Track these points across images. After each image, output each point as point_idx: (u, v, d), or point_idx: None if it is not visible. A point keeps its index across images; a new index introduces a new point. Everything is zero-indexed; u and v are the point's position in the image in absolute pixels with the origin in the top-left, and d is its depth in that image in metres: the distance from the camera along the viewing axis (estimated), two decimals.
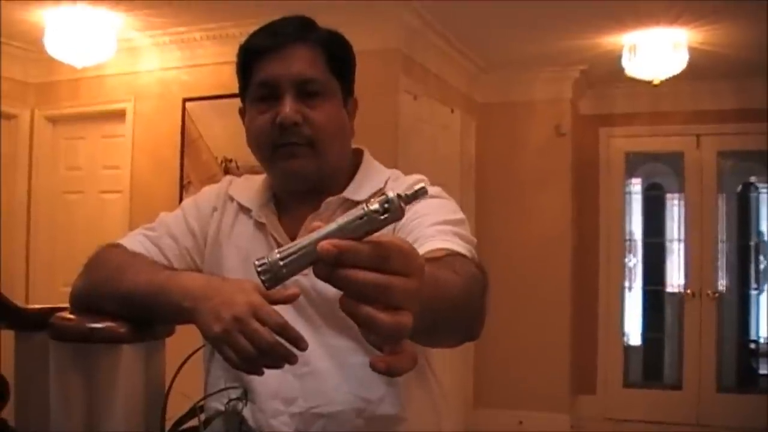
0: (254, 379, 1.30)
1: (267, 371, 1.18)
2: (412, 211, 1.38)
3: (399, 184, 1.51)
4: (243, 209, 1.56)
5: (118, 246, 1.49)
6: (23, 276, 5.95)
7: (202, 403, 1.37)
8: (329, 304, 1.42)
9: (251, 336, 1.12)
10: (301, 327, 1.40)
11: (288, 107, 1.41)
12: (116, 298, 1.31)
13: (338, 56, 1.49)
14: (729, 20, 4.87)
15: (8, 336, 1.58)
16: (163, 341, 1.32)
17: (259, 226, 1.52)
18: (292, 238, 1.47)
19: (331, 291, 1.39)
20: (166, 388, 1.28)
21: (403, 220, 1.20)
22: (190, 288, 1.24)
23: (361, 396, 1.42)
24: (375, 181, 1.50)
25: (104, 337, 1.22)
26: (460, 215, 1.43)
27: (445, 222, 1.35)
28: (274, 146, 1.43)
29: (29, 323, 1.51)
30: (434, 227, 1.32)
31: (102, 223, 5.76)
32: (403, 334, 0.79)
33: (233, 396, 1.36)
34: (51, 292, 5.59)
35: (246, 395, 1.36)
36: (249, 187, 1.59)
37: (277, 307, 1.20)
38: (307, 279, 1.43)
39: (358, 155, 1.58)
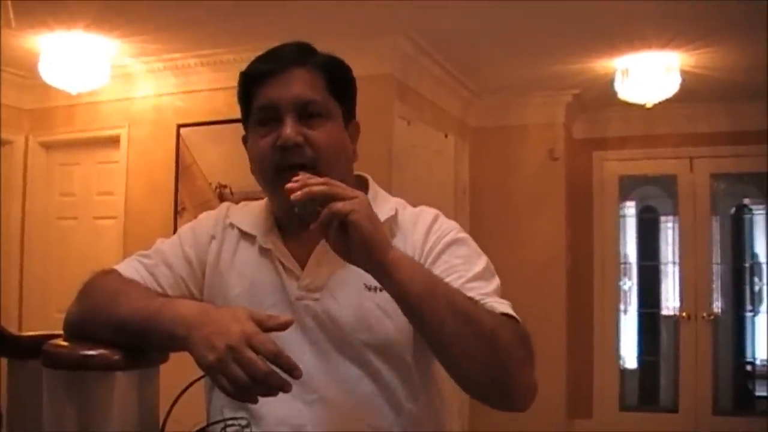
0: (262, 406, 1.29)
1: (275, 399, 1.17)
2: (442, 261, 1.42)
3: (407, 214, 1.52)
4: (245, 236, 1.55)
5: (112, 272, 1.48)
6: (17, 302, 5.93)
7: (199, 429, 1.36)
8: (340, 330, 1.43)
9: (245, 365, 1.12)
10: (309, 353, 1.41)
11: (289, 128, 1.41)
12: (110, 325, 1.30)
13: (338, 79, 1.50)
14: (720, 44, 4.91)
15: (0, 364, 1.57)
16: (157, 368, 1.31)
17: (264, 252, 1.51)
18: (301, 263, 1.47)
19: (343, 317, 1.41)
20: (163, 417, 1.27)
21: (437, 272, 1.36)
22: (184, 316, 1.23)
23: (370, 424, 1.41)
24: (385, 208, 1.49)
25: (98, 365, 1.21)
26: (484, 258, 1.46)
27: (478, 277, 1.40)
28: (277, 170, 1.42)
29: (22, 351, 1.50)
30: (474, 285, 1.37)
31: (96, 250, 5.74)
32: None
33: (231, 423, 1.35)
34: (45, 318, 5.57)
35: (249, 425, 1.35)
36: (249, 214, 1.58)
37: (286, 333, 1.21)
38: (318, 304, 1.43)
39: (362, 182, 1.58)
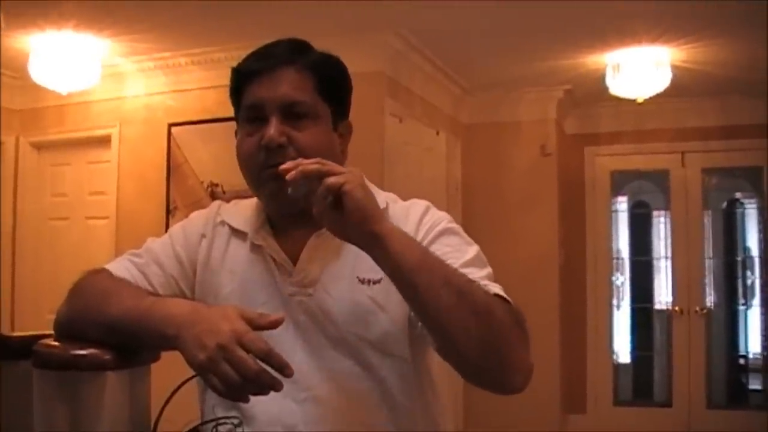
0: (254, 406, 1.28)
1: (266, 398, 1.16)
2: (434, 249, 1.39)
3: (398, 207, 1.51)
4: (236, 233, 1.54)
5: (102, 271, 1.48)
6: (9, 303, 5.91)
7: (191, 428, 1.36)
8: (335, 325, 1.42)
9: (236, 364, 1.11)
10: (301, 350, 1.40)
11: (273, 129, 1.40)
12: (100, 325, 1.30)
13: (328, 80, 1.48)
14: (710, 39, 4.92)
15: None
16: (148, 368, 1.31)
17: (256, 248, 1.50)
18: (293, 259, 1.47)
19: (337, 311, 1.40)
20: (155, 417, 1.27)
21: None
22: (174, 315, 1.23)
23: (363, 422, 1.41)
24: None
25: (88, 365, 1.21)
26: (475, 247, 1.45)
27: (470, 263, 1.38)
28: (261, 169, 1.42)
29: (13, 351, 1.49)
30: (466, 271, 1.34)
31: (88, 249, 5.74)
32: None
33: (223, 422, 1.35)
34: (37, 319, 5.56)
35: (241, 425, 1.35)
36: (240, 212, 1.57)
37: (278, 329, 1.20)
38: (311, 299, 1.43)
39: None
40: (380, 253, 1.23)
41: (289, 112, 1.43)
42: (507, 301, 1.29)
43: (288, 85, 1.44)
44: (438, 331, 1.26)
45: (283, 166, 1.25)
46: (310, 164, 1.23)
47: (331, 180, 1.21)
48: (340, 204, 1.21)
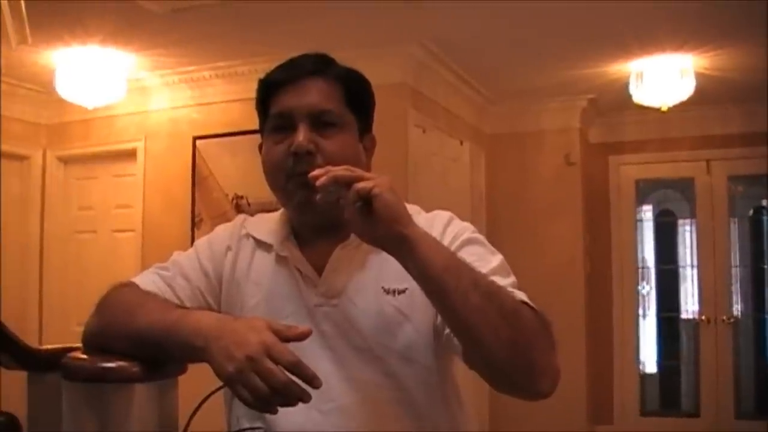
0: (279, 417, 1.28)
1: (292, 408, 1.16)
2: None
3: (421, 219, 1.50)
4: (261, 245, 1.55)
5: (130, 285, 1.49)
6: (36, 316, 5.96)
7: None
8: (361, 335, 1.42)
9: (265, 375, 1.11)
10: (327, 360, 1.40)
11: (302, 136, 1.42)
12: (128, 338, 1.30)
13: (355, 91, 1.50)
14: (733, 45, 4.89)
15: (20, 377, 1.58)
16: (175, 380, 1.32)
17: (281, 260, 1.51)
18: (318, 270, 1.48)
19: (363, 322, 1.40)
20: (183, 429, 1.27)
21: None
22: (202, 327, 1.23)
23: (388, 431, 1.41)
24: None
25: (117, 377, 1.22)
26: (499, 256, 1.45)
27: (494, 272, 1.37)
28: (288, 176, 1.43)
29: (41, 364, 1.50)
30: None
31: (114, 262, 5.77)
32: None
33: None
34: (64, 331, 5.59)
35: None
36: (265, 224, 1.59)
37: (304, 341, 1.21)
38: (337, 310, 1.43)
39: None
40: (409, 255, 1.24)
41: (317, 121, 1.44)
42: (533, 308, 1.29)
43: (316, 94, 1.46)
44: (466, 335, 1.25)
45: (313, 173, 1.26)
46: (339, 170, 1.25)
47: (361, 184, 1.22)
48: (369, 209, 1.22)
